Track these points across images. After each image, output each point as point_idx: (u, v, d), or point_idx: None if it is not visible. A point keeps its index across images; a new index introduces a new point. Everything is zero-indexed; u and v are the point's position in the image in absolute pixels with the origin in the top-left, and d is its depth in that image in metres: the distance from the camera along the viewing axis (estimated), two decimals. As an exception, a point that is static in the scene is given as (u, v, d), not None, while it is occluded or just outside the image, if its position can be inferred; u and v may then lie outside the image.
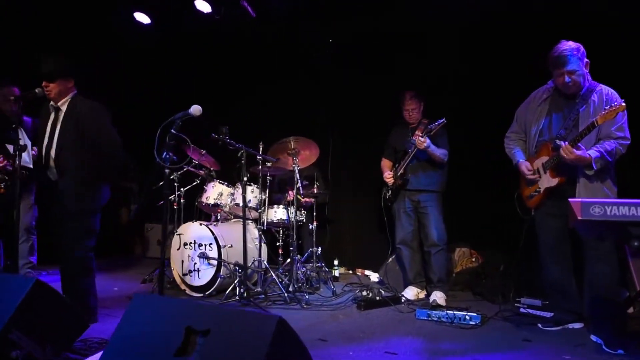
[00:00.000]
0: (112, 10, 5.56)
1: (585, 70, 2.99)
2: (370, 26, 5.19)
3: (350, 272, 5.46)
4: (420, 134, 3.87)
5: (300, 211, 4.76)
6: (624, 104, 2.73)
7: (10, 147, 3.32)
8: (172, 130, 2.36)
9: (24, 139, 3.13)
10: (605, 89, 2.99)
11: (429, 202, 4.09)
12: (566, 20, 4.00)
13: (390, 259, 4.63)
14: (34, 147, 3.59)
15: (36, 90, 3.19)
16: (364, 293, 3.87)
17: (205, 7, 5.34)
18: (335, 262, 5.03)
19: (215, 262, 4.07)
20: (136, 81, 6.25)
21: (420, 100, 4.19)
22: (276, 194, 5.27)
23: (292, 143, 4.34)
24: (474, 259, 4.63)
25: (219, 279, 4.05)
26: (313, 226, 4.65)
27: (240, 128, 5.46)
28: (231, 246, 4.17)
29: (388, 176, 4.26)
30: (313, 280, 4.52)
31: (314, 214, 4.68)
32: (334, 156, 5.71)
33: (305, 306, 3.83)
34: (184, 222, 4.51)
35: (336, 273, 5.00)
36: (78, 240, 3.20)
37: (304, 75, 5.79)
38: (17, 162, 3.07)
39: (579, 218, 1.88)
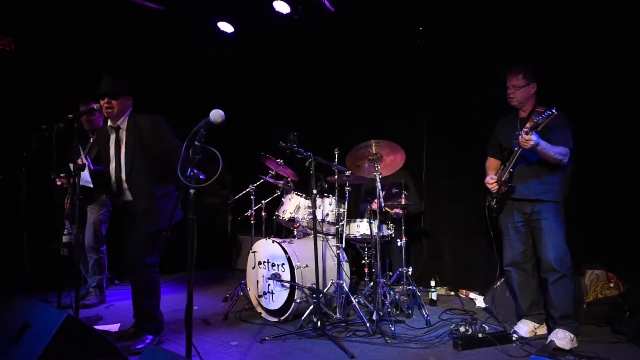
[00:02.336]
0: (193, 23, 5.58)
1: None
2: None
3: (452, 293, 4.68)
4: (527, 129, 3.01)
5: (388, 225, 4.15)
6: None
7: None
8: (196, 143, 1.97)
9: (82, 157, 3.03)
10: None
11: (543, 214, 3.19)
12: None
13: (499, 283, 3.79)
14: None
15: (95, 106, 3.11)
16: (462, 329, 3.13)
17: (284, 8, 5.07)
18: (432, 284, 4.30)
19: (289, 285, 3.66)
20: (215, 91, 6.20)
21: (528, 78, 3.26)
22: (363, 205, 4.73)
23: (373, 148, 3.76)
24: (612, 285, 3.60)
25: (293, 304, 3.62)
26: (402, 242, 4.01)
27: (316, 132, 5.10)
28: (306, 266, 3.71)
29: (490, 181, 3.41)
30: (403, 305, 3.88)
31: (403, 227, 4.04)
32: (428, 159, 4.99)
33: (389, 340, 3.22)
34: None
35: (434, 296, 4.27)
36: (142, 260, 3.10)
37: (387, 69, 5.16)
38: (77, 181, 2.96)
39: None
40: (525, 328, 3.30)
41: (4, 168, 4.00)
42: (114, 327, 3.59)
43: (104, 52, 5.15)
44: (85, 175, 3.16)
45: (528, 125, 3.07)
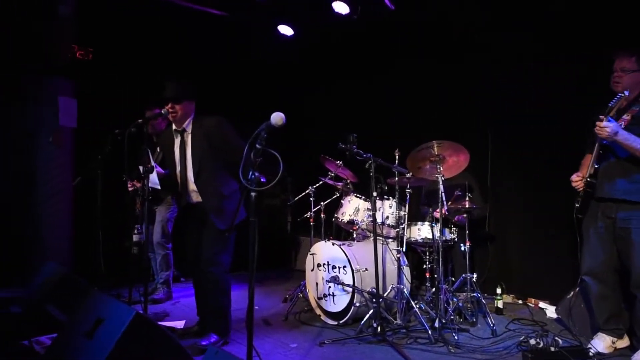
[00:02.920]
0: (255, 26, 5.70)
1: None
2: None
3: (520, 302, 4.43)
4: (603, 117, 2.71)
5: (450, 229, 4.01)
6: None
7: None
8: (257, 146, 1.98)
9: (151, 160, 3.17)
10: None
11: (633, 220, 2.83)
12: None
13: (573, 292, 3.53)
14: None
15: (162, 112, 3.22)
16: (532, 342, 2.94)
17: (343, 9, 5.04)
18: (498, 291, 4.10)
19: (349, 288, 3.62)
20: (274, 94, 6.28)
21: None
22: (424, 208, 4.60)
23: (435, 149, 3.65)
24: None
25: (353, 308, 3.59)
26: (466, 247, 3.85)
27: (376, 133, 5.07)
28: (366, 270, 3.66)
29: (575, 178, 3.07)
30: (467, 313, 3.72)
31: (467, 231, 3.88)
32: (494, 160, 4.76)
33: (452, 350, 3.11)
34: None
35: (500, 304, 4.07)
36: (215, 258, 3.20)
37: (449, 68, 4.98)
38: (146, 182, 3.10)
39: None
40: (601, 343, 3.04)
41: (83, 170, 4.28)
42: (180, 324, 3.73)
43: (170, 58, 5.39)
44: (154, 177, 3.30)
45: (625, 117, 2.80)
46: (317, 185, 4.62)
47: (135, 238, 3.62)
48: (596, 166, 2.95)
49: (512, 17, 4.40)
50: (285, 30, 5.65)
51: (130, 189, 4.28)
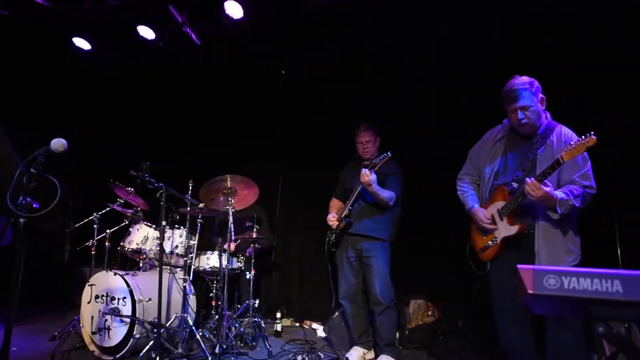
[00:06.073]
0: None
1: (541, 107, 2.66)
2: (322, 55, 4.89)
3: (297, 324, 4.91)
4: (369, 166, 3.44)
5: (238, 257, 4.24)
6: (594, 138, 2.33)
7: None
8: (32, 170, 1.86)
9: None
10: (564, 128, 2.66)
11: (372, 251, 3.62)
12: (524, 54, 3.77)
13: (336, 314, 4.11)
14: None
15: None
16: (299, 358, 3.32)
17: (149, 34, 4.97)
18: (278, 315, 4.48)
19: (128, 320, 3.48)
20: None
21: (376, 133, 3.75)
22: (216, 237, 4.75)
23: (228, 182, 3.87)
24: (430, 313, 4.16)
25: (132, 340, 3.45)
26: (250, 275, 4.12)
27: (171, 162, 5.13)
28: (150, 300, 3.59)
29: (332, 218, 3.81)
30: (248, 338, 3.95)
31: (253, 260, 4.17)
32: (283, 196, 5.25)
33: (229, 373, 3.27)
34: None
35: (279, 327, 4.44)
36: None
37: (247, 109, 5.43)
38: None
39: (530, 292, 1.44)
40: (355, 354, 3.63)
41: None
42: None
43: None
44: None
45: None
46: (104, 211, 4.33)
47: None
48: (350, 208, 3.65)
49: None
50: (82, 43, 5.28)
51: None
